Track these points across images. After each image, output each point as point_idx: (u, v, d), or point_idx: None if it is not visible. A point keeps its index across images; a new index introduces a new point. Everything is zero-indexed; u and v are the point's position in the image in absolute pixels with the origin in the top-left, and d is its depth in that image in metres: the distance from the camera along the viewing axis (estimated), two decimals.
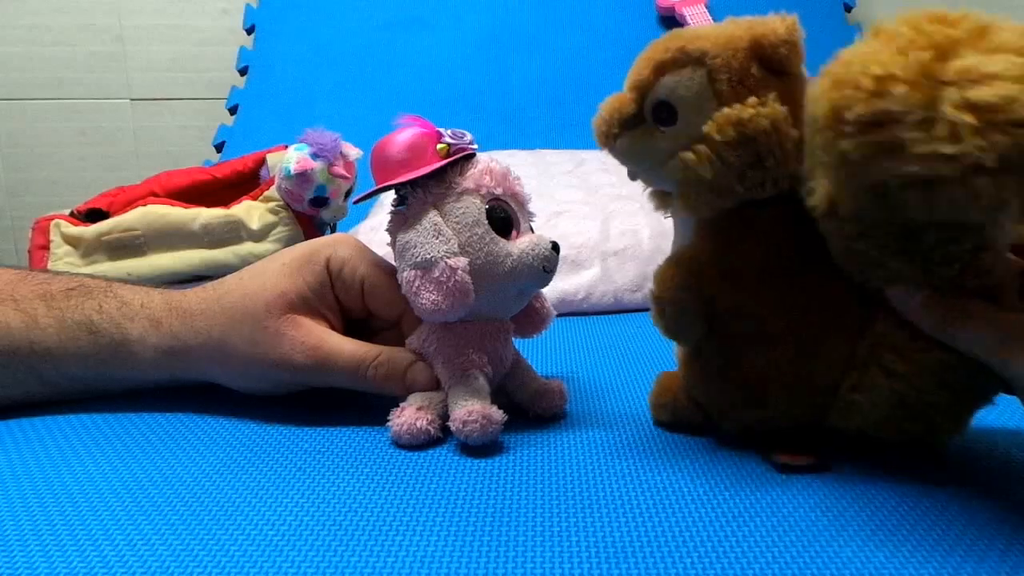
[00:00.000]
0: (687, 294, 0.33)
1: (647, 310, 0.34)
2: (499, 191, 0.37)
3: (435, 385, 0.38)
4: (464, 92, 1.36)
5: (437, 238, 0.36)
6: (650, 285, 0.34)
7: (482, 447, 0.35)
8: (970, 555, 0.25)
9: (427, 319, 0.38)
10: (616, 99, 0.34)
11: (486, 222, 0.36)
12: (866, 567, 0.25)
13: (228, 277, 0.42)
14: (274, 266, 0.40)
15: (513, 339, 0.41)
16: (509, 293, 0.38)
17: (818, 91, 0.27)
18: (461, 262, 0.35)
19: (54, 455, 0.35)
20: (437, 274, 0.35)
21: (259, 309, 0.39)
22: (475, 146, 0.38)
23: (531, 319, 0.42)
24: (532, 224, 0.40)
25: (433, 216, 0.36)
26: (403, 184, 0.37)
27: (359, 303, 0.41)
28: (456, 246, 0.36)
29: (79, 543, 0.27)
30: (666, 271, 0.33)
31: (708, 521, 0.28)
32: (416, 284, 0.36)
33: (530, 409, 0.40)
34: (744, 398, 0.33)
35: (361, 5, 1.48)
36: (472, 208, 0.36)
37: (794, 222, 0.31)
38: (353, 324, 0.42)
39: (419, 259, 0.35)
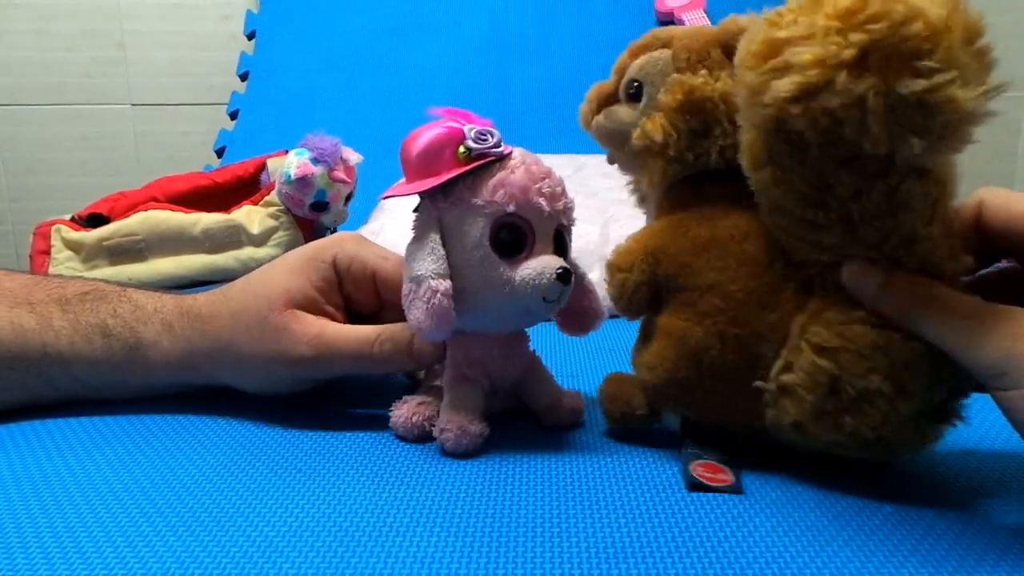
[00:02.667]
0: (633, 259, 0.35)
1: None
2: (511, 207, 0.34)
3: (442, 354, 0.38)
4: (464, 97, 1.36)
5: (430, 256, 0.35)
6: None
7: (460, 456, 0.35)
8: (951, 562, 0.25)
9: (416, 333, 0.37)
10: (600, 83, 0.38)
11: (487, 244, 0.34)
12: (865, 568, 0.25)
13: (236, 281, 0.42)
14: (280, 267, 0.41)
15: (529, 347, 0.40)
16: (510, 313, 0.36)
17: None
18: (443, 285, 0.34)
19: (55, 457, 0.35)
20: (422, 292, 0.34)
21: (263, 310, 0.39)
22: (500, 149, 0.35)
23: (579, 318, 0.40)
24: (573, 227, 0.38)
25: (433, 231, 0.35)
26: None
27: (371, 296, 0.41)
28: (445, 267, 0.34)
29: (80, 544, 0.27)
30: (626, 243, 0.36)
31: (708, 522, 0.28)
32: (409, 297, 0.35)
33: (541, 420, 0.40)
34: (680, 371, 0.33)
35: (361, 10, 1.48)
36: (475, 229, 0.35)
37: (740, 198, 0.32)
38: (360, 320, 0.42)
39: (412, 274, 0.35)
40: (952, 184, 0.29)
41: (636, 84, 0.36)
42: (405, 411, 0.37)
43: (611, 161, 0.39)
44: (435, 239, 0.35)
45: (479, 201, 0.34)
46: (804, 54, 0.25)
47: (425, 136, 0.35)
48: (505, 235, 0.35)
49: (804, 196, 0.29)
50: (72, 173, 1.58)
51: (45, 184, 1.58)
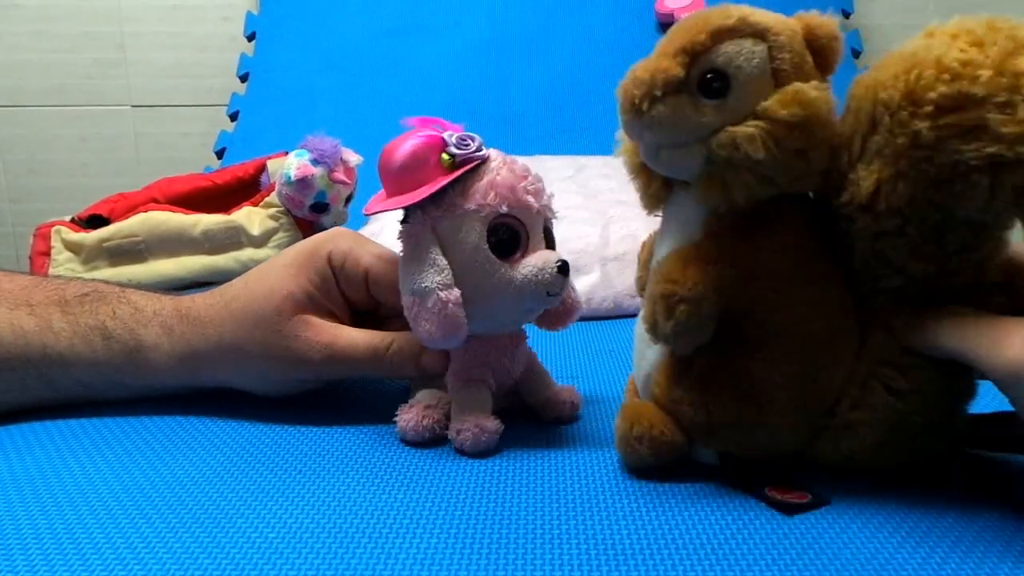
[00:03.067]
0: (706, 291, 0.29)
1: None
2: (504, 208, 0.35)
3: (447, 367, 0.38)
4: (464, 98, 1.37)
5: (432, 267, 0.35)
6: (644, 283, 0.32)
7: (479, 455, 0.35)
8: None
9: (425, 344, 0.37)
10: (655, 61, 0.30)
11: (486, 247, 0.35)
12: None
13: (234, 281, 0.42)
14: (277, 267, 0.41)
15: (528, 344, 0.40)
16: (514, 312, 0.37)
17: (882, 78, 0.27)
18: (453, 295, 0.34)
19: (54, 458, 0.35)
20: (430, 304, 0.34)
21: (269, 314, 0.39)
22: (482, 152, 0.36)
23: (557, 312, 0.40)
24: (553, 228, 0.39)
25: (430, 243, 0.35)
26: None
27: (364, 295, 0.41)
28: (450, 277, 0.35)
29: (79, 546, 0.27)
30: (678, 265, 0.30)
31: (708, 524, 0.28)
32: (414, 310, 0.35)
33: (540, 415, 0.40)
34: (742, 412, 0.31)
35: (361, 12, 1.48)
36: (472, 233, 0.35)
37: (806, 226, 0.31)
38: (360, 316, 0.42)
39: (415, 287, 0.35)
40: None
41: (721, 77, 0.29)
42: (413, 416, 0.37)
43: (648, 156, 0.32)
44: (434, 250, 0.35)
45: (472, 205, 0.35)
46: (1009, 127, 0.24)
47: (406, 146, 0.35)
48: (502, 235, 0.35)
49: (917, 250, 0.28)
50: (72, 174, 1.58)
51: (45, 185, 1.58)
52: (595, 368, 0.53)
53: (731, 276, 0.30)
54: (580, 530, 0.28)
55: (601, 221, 0.82)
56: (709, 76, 0.29)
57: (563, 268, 0.35)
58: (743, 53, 0.29)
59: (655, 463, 0.32)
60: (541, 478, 0.33)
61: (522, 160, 0.37)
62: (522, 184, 0.36)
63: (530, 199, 0.36)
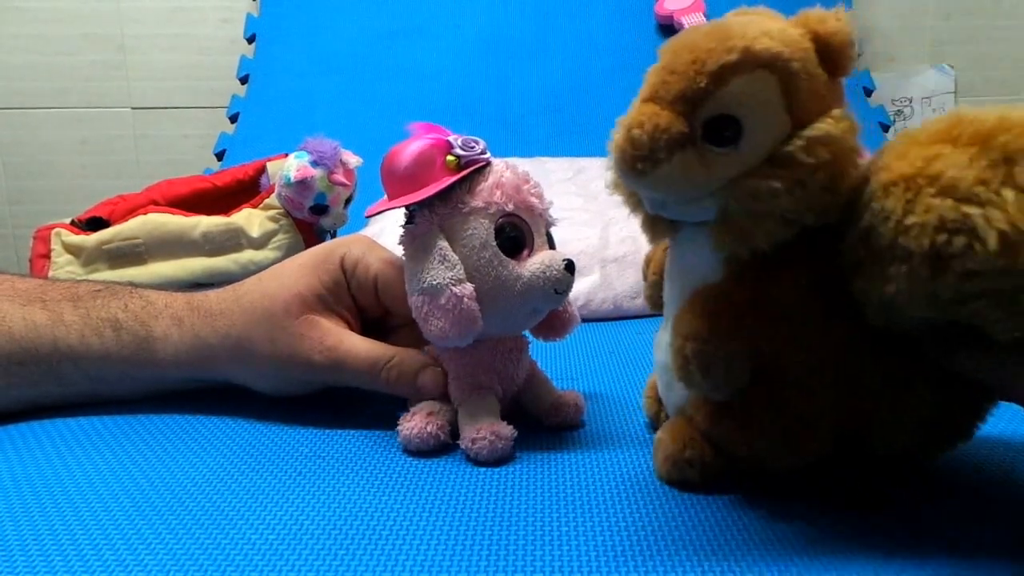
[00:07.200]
0: (737, 343, 0.27)
1: (646, 316, 0.34)
2: (510, 207, 0.35)
3: (444, 390, 0.38)
4: (464, 100, 1.37)
5: (443, 264, 0.34)
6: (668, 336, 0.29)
7: (494, 463, 0.35)
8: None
9: (436, 344, 0.37)
10: (652, 115, 0.26)
11: (494, 244, 0.35)
12: None
13: (249, 279, 0.43)
14: (292, 267, 0.41)
15: (530, 349, 0.40)
16: (520, 313, 0.37)
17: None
18: (467, 289, 0.34)
19: (54, 458, 0.35)
20: (443, 301, 0.34)
21: (277, 310, 0.39)
22: (487, 155, 0.36)
23: (554, 324, 0.41)
24: (552, 230, 0.39)
25: (439, 240, 0.35)
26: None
27: (374, 300, 0.41)
28: (462, 272, 0.34)
29: (79, 546, 0.27)
30: (701, 319, 0.28)
31: (709, 525, 0.28)
32: (424, 310, 0.35)
33: (544, 422, 0.40)
34: (787, 444, 0.29)
35: (361, 14, 1.49)
36: (480, 230, 0.35)
37: (824, 255, 0.27)
38: (369, 323, 0.42)
39: (425, 285, 0.34)
40: None
41: (731, 122, 0.26)
42: (418, 423, 0.36)
43: (655, 208, 0.29)
44: (443, 246, 0.35)
45: (479, 203, 0.35)
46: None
47: (411, 149, 0.35)
48: (509, 232, 0.35)
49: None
50: (72, 176, 1.58)
51: (45, 187, 1.58)
52: (596, 370, 0.53)
53: (758, 323, 0.27)
54: (581, 532, 0.28)
55: (601, 223, 0.83)
56: (717, 122, 0.26)
57: (569, 266, 0.36)
58: (752, 92, 0.26)
59: (700, 483, 0.31)
60: (542, 480, 0.33)
61: (522, 163, 0.37)
62: (526, 186, 0.37)
63: (534, 200, 0.36)
